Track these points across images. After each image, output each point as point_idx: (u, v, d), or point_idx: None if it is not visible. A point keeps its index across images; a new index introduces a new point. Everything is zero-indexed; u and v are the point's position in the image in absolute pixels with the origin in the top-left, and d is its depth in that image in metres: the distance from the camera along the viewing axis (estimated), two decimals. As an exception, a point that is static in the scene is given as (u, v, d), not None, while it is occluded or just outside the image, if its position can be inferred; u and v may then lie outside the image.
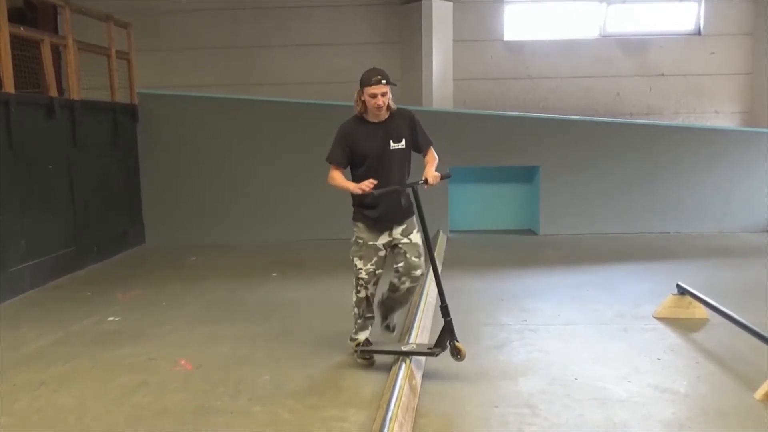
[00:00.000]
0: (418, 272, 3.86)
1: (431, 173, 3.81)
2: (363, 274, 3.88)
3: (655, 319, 4.83)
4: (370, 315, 4.02)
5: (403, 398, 3.22)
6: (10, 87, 5.75)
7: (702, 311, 4.76)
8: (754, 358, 3.94)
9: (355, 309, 4.00)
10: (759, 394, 3.42)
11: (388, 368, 3.79)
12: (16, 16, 6.54)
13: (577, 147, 8.36)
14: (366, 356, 3.97)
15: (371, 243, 3.87)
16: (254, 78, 9.75)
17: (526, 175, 8.75)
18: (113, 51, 7.57)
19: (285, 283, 6.21)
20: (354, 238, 3.94)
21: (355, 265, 3.92)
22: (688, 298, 4.79)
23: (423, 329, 4.38)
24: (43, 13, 7.71)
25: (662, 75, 9.90)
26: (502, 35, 9.87)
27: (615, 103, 9.93)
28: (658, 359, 4.03)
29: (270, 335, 4.61)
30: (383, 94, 3.70)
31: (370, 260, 3.87)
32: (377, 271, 3.91)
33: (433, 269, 3.87)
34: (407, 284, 3.88)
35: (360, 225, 3.90)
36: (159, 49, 9.52)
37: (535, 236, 8.49)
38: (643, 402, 3.42)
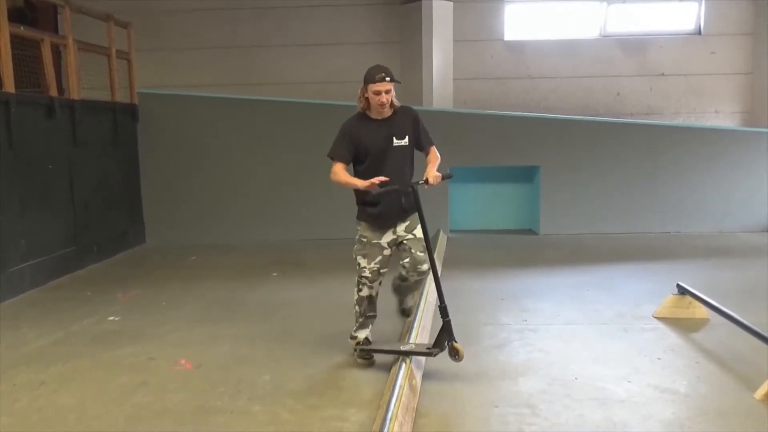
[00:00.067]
0: (425, 267, 3.87)
1: (432, 173, 3.81)
2: (367, 273, 3.88)
3: (655, 319, 4.83)
4: (371, 314, 4.02)
5: (403, 398, 3.22)
6: (10, 86, 5.76)
7: (702, 311, 4.76)
8: (754, 358, 3.94)
9: (356, 307, 4.00)
10: (759, 394, 3.42)
11: (388, 368, 3.79)
12: (16, 16, 6.55)
13: (577, 147, 8.36)
14: (366, 356, 3.97)
15: (375, 241, 3.87)
16: (254, 78, 9.75)
17: (527, 174, 8.75)
18: (113, 51, 7.57)
19: (285, 283, 6.21)
20: (358, 237, 3.94)
21: (359, 264, 3.91)
22: (689, 298, 4.79)
23: (423, 329, 4.38)
24: (44, 13, 7.72)
25: (662, 75, 9.90)
26: (503, 35, 9.87)
27: (615, 103, 9.92)
28: (658, 359, 4.03)
29: (270, 335, 4.61)
30: (387, 92, 3.70)
31: (374, 259, 3.87)
32: (381, 270, 3.91)
33: (432, 270, 3.87)
34: (415, 278, 3.92)
35: (364, 223, 3.91)
36: (159, 48, 9.52)
37: (535, 236, 8.49)
38: (643, 402, 3.42)
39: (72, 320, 5.04)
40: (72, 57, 6.79)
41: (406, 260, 3.88)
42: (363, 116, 3.86)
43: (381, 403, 3.28)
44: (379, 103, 3.71)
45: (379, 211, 3.83)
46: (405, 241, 3.87)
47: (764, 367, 3.75)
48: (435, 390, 3.60)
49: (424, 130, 3.96)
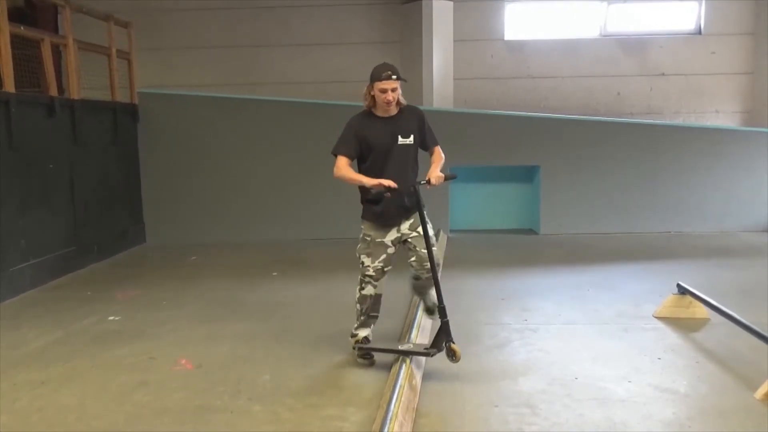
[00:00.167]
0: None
1: (435, 174, 3.81)
2: (370, 271, 3.88)
3: (655, 319, 4.83)
4: (374, 314, 4.02)
5: (403, 398, 3.22)
6: (10, 86, 5.76)
7: (702, 311, 4.76)
8: (754, 358, 3.94)
9: (358, 305, 4.00)
10: (759, 394, 3.42)
11: (388, 368, 3.79)
12: (16, 16, 6.54)
13: (577, 147, 8.36)
14: (366, 356, 3.96)
15: (379, 240, 3.87)
16: (255, 77, 9.75)
17: (527, 174, 8.75)
18: (113, 50, 7.57)
19: (285, 283, 6.21)
20: (362, 235, 3.93)
21: (362, 263, 3.91)
22: (689, 298, 4.79)
23: (423, 329, 4.38)
24: (44, 13, 7.70)
25: (663, 75, 9.90)
26: (503, 35, 9.87)
27: (616, 103, 9.92)
28: (659, 359, 4.03)
29: (270, 334, 4.61)
30: (393, 90, 3.71)
31: (378, 257, 3.87)
32: (385, 268, 3.91)
33: (432, 270, 3.86)
34: (425, 275, 3.91)
35: (367, 222, 3.91)
36: (159, 48, 9.52)
37: (535, 236, 8.49)
38: (644, 402, 3.42)
39: (72, 320, 5.04)
40: (72, 57, 6.79)
41: (413, 258, 3.88)
42: (369, 114, 3.85)
43: (381, 402, 3.28)
44: (386, 101, 3.72)
45: (382, 209, 3.83)
46: (410, 240, 3.88)
47: (764, 367, 3.75)
48: (435, 390, 3.60)
49: (429, 130, 3.96)
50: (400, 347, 3.86)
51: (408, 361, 3.70)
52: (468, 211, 8.79)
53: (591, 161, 8.37)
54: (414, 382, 3.54)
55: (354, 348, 4.01)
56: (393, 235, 3.89)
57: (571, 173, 8.38)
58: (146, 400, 3.55)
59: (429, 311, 4.25)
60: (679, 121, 9.84)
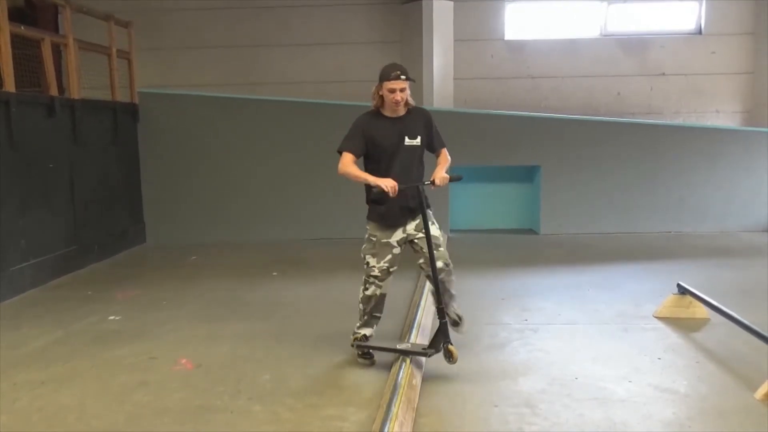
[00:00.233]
0: (440, 264, 3.85)
1: (440, 175, 3.82)
2: (376, 272, 3.87)
3: (655, 319, 4.83)
4: (377, 314, 4.02)
5: (403, 398, 3.22)
6: (10, 86, 5.76)
7: (702, 311, 4.76)
8: (754, 358, 3.94)
9: (361, 305, 3.99)
10: (759, 394, 3.42)
11: (388, 368, 3.79)
12: (16, 15, 6.54)
13: (578, 147, 8.36)
14: (366, 356, 3.97)
15: (385, 240, 3.86)
16: (255, 77, 9.75)
17: (527, 174, 8.75)
18: (114, 50, 7.57)
19: (285, 282, 6.21)
20: (367, 236, 3.93)
21: (367, 263, 3.90)
22: (689, 298, 4.79)
23: (423, 329, 4.38)
24: (44, 12, 7.70)
25: (663, 74, 9.89)
26: (503, 35, 9.86)
27: (616, 103, 9.92)
28: (659, 359, 4.03)
29: (270, 334, 4.61)
30: (402, 90, 3.71)
31: (384, 258, 3.86)
32: (391, 269, 3.90)
33: (432, 270, 3.86)
34: (438, 277, 3.88)
35: (373, 223, 3.90)
36: (159, 48, 9.52)
37: (535, 236, 8.49)
38: (644, 402, 3.42)
39: (72, 319, 5.04)
40: (72, 56, 6.79)
41: (421, 261, 3.87)
42: (377, 113, 3.85)
43: (381, 402, 3.28)
44: (394, 100, 3.72)
45: (386, 209, 3.83)
46: (416, 240, 3.87)
47: (764, 367, 3.75)
48: (435, 389, 3.60)
49: (436, 132, 3.97)
50: (397, 346, 3.87)
51: (408, 361, 3.71)
52: (468, 211, 8.79)
53: (591, 161, 8.37)
54: (414, 382, 3.54)
55: (352, 345, 4.01)
56: (399, 235, 3.88)
57: (571, 173, 8.38)
58: (146, 400, 3.55)
59: (454, 324, 4.01)
60: (679, 121, 9.84)
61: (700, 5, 9.82)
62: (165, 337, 4.61)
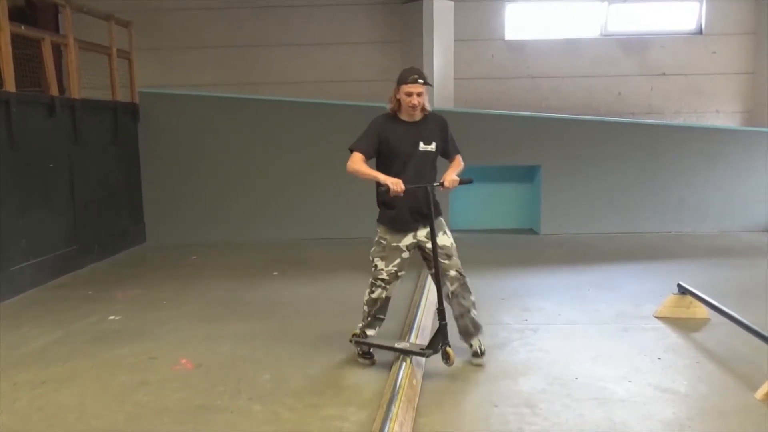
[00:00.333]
0: (452, 273, 3.86)
1: (450, 177, 3.84)
2: (384, 275, 3.87)
3: (655, 319, 4.83)
4: (381, 316, 4.02)
5: (403, 398, 3.22)
6: (11, 86, 5.76)
7: (703, 311, 4.76)
8: (754, 358, 3.94)
9: (366, 307, 3.99)
10: (759, 394, 3.42)
11: (388, 367, 3.79)
12: (17, 15, 6.54)
13: (578, 146, 8.35)
14: (366, 356, 3.97)
15: (395, 244, 3.86)
16: (255, 77, 9.75)
17: (527, 174, 8.75)
18: (114, 50, 7.57)
19: (285, 282, 6.21)
20: (377, 238, 3.92)
21: (375, 266, 3.90)
22: (689, 298, 4.79)
23: (423, 330, 4.38)
24: (44, 12, 7.72)
25: (663, 74, 9.89)
26: (503, 34, 9.86)
27: (616, 103, 9.92)
28: (659, 359, 4.03)
29: (270, 334, 4.61)
30: (419, 94, 3.71)
31: (393, 261, 3.86)
32: (399, 273, 3.90)
33: (434, 271, 3.86)
34: (450, 288, 3.88)
35: (383, 226, 3.89)
36: (160, 48, 9.52)
37: (536, 236, 8.49)
38: (644, 402, 3.42)
39: (73, 319, 5.04)
40: (73, 56, 6.79)
41: (432, 271, 3.86)
42: (393, 117, 3.85)
43: (381, 402, 3.28)
44: (410, 104, 3.72)
45: (396, 213, 3.82)
46: (427, 249, 3.85)
47: (764, 367, 3.75)
48: (435, 389, 3.60)
49: (452, 139, 3.98)
50: (396, 345, 3.87)
51: (408, 360, 3.71)
52: (468, 211, 8.79)
53: (591, 161, 8.37)
54: (414, 381, 3.54)
55: (351, 340, 4.01)
56: (409, 240, 3.87)
57: (571, 173, 8.38)
58: (146, 399, 3.55)
59: (475, 355, 3.93)
60: (679, 121, 9.83)
61: (701, 5, 9.82)
62: (165, 337, 4.61)
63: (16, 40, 5.87)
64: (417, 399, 3.43)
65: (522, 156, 8.44)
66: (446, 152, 3.98)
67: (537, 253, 7.40)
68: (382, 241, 3.89)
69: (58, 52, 7.07)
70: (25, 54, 6.17)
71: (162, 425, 3.25)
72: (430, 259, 3.86)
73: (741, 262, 6.78)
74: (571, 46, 9.83)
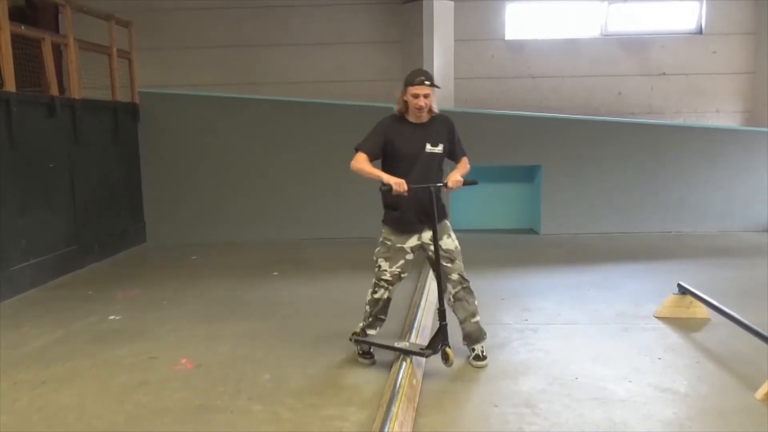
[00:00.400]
0: (455, 276, 3.86)
1: (454, 178, 3.83)
2: (387, 276, 3.87)
3: (655, 319, 4.83)
4: (382, 317, 4.02)
5: (403, 398, 3.22)
6: (11, 86, 5.76)
7: (703, 311, 4.76)
8: (754, 358, 3.94)
9: (367, 307, 4.00)
10: (759, 394, 3.42)
11: (388, 367, 3.79)
12: (17, 15, 6.54)
13: (578, 146, 8.35)
14: (367, 356, 3.97)
15: (399, 246, 3.86)
16: (255, 77, 9.74)
17: (528, 174, 8.75)
18: (114, 50, 7.57)
19: (286, 282, 6.21)
20: (382, 239, 3.92)
21: (379, 266, 3.89)
22: (689, 298, 4.79)
23: (423, 330, 4.38)
24: (44, 12, 7.71)
25: (664, 74, 9.89)
26: (504, 34, 9.86)
27: (616, 103, 9.91)
28: (659, 359, 4.03)
29: (270, 334, 4.61)
30: (426, 96, 3.71)
31: (397, 263, 3.86)
32: (402, 274, 3.90)
33: (435, 271, 3.85)
34: (452, 291, 3.88)
35: (388, 227, 3.89)
36: (160, 48, 9.52)
37: (536, 235, 8.49)
38: (644, 401, 3.42)
39: (73, 319, 5.04)
40: (73, 56, 6.79)
41: (436, 273, 3.86)
42: (400, 118, 3.85)
43: (381, 402, 3.28)
44: (417, 106, 3.72)
45: (400, 215, 3.82)
46: (431, 252, 3.84)
47: (764, 367, 3.75)
48: (435, 389, 3.60)
49: (458, 141, 3.97)
50: (395, 344, 3.87)
51: (408, 360, 3.71)
52: (469, 211, 8.79)
53: (592, 161, 8.37)
54: (414, 381, 3.54)
55: (350, 339, 4.01)
56: (413, 242, 3.87)
57: (571, 173, 8.38)
58: (146, 399, 3.55)
59: (476, 359, 3.93)
60: (680, 120, 9.83)
61: (701, 5, 9.81)
62: (165, 337, 4.61)
63: (17, 40, 5.87)
64: (417, 399, 3.43)
65: (522, 156, 8.44)
66: (453, 154, 3.98)
67: (537, 253, 7.40)
68: (387, 242, 3.89)
69: (58, 52, 7.07)
70: (26, 54, 6.17)
71: (162, 425, 3.25)
72: (434, 262, 3.86)
73: (741, 262, 6.78)
74: (572, 46, 9.83)
